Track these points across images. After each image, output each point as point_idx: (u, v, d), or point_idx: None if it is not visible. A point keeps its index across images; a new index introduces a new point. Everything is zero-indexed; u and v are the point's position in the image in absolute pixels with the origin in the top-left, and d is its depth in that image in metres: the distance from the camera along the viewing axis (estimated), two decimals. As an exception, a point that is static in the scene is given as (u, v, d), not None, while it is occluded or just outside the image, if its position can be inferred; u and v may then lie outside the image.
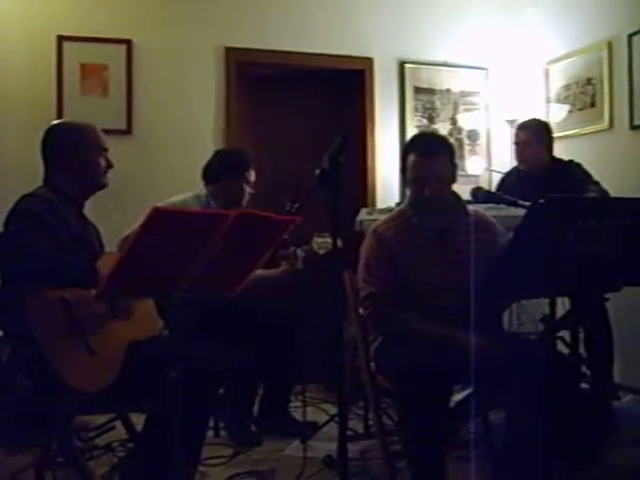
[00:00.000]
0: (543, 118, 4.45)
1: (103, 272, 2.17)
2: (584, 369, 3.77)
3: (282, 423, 3.67)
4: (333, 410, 3.70)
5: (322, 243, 3.48)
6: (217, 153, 3.81)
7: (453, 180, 2.84)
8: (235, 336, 3.37)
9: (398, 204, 4.59)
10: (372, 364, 2.92)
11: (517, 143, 4.12)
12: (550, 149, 4.09)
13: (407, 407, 2.52)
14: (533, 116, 4.53)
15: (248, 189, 3.63)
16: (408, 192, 2.92)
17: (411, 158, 2.79)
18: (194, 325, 3.22)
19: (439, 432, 2.50)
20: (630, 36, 4.41)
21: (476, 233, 2.81)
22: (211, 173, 3.66)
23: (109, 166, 2.69)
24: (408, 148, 2.85)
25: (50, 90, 4.40)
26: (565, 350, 3.49)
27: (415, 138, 3.02)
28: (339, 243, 3.51)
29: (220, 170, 3.64)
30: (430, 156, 2.77)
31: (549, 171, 4.01)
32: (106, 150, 2.70)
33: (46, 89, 4.40)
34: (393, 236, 2.82)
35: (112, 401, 2.47)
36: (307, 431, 3.41)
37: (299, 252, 3.49)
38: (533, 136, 4.05)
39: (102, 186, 2.69)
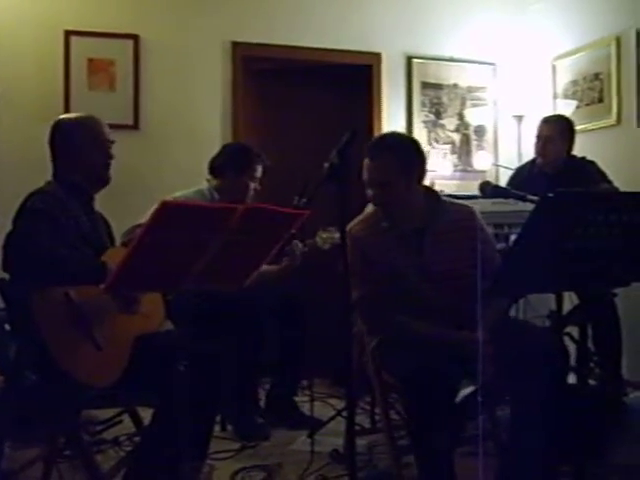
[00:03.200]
0: (550, 114, 4.43)
1: (111, 266, 2.17)
2: (592, 365, 3.77)
3: (290, 416, 3.69)
4: (340, 405, 3.70)
5: (327, 238, 3.48)
6: (224, 147, 3.82)
7: (411, 180, 2.70)
8: (239, 329, 3.38)
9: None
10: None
11: (539, 137, 4.08)
12: (570, 147, 4.07)
13: (414, 406, 2.50)
14: (540, 112, 4.53)
15: (253, 185, 3.63)
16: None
17: (364, 165, 2.73)
18: (198, 318, 3.23)
19: (446, 430, 2.49)
20: (639, 31, 4.39)
21: (455, 229, 2.73)
22: (217, 167, 3.67)
23: (109, 157, 2.67)
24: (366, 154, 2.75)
25: (57, 85, 4.42)
26: (572, 346, 3.49)
27: (372, 139, 2.91)
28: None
29: (226, 164, 3.64)
30: (371, 159, 2.69)
31: (563, 168, 4.00)
32: (111, 142, 2.69)
33: (53, 84, 4.41)
34: (366, 237, 2.76)
35: (119, 395, 2.47)
36: (314, 425, 3.42)
37: (298, 246, 3.49)
38: (557, 132, 4.03)
39: (104, 182, 2.68)
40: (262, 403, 3.82)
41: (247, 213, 1.98)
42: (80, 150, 2.60)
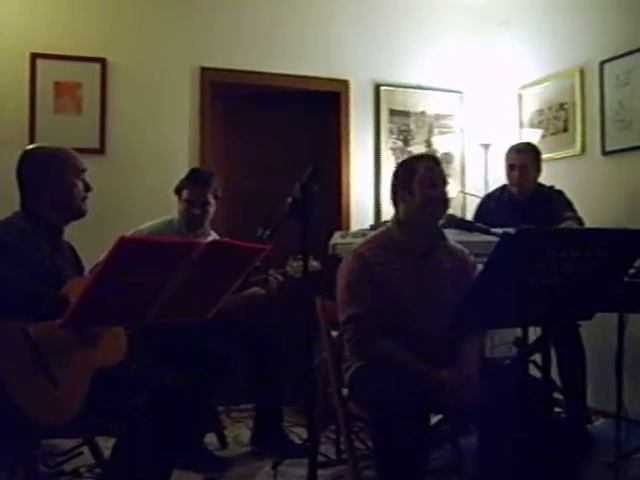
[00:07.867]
0: (516, 142, 4.48)
1: (72, 301, 2.13)
2: (557, 394, 3.78)
3: (277, 443, 3.66)
4: (305, 434, 3.66)
5: (298, 267, 3.47)
6: None
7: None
8: (202, 362, 3.34)
9: (372, 227, 4.58)
10: (345, 390, 2.90)
11: (513, 166, 4.10)
12: (539, 174, 4.12)
13: (383, 433, 2.48)
14: (506, 140, 4.58)
15: (193, 209, 3.60)
16: (397, 210, 2.91)
17: (422, 166, 2.84)
18: (162, 349, 3.19)
19: (415, 459, 2.48)
20: (602, 63, 4.47)
21: (454, 261, 2.87)
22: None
23: (87, 189, 2.63)
24: (414, 161, 2.94)
25: (23, 108, 4.35)
26: (538, 374, 3.50)
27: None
28: (318, 266, 3.52)
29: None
30: (438, 163, 2.89)
31: (533, 196, 4.03)
32: (84, 171, 2.63)
33: (19, 107, 4.35)
34: (375, 257, 2.80)
35: (79, 426, 2.43)
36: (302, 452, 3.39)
37: (277, 278, 3.49)
38: (529, 160, 4.07)
39: (81, 214, 2.62)
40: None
41: (209, 248, 1.97)
42: (51, 183, 2.54)
